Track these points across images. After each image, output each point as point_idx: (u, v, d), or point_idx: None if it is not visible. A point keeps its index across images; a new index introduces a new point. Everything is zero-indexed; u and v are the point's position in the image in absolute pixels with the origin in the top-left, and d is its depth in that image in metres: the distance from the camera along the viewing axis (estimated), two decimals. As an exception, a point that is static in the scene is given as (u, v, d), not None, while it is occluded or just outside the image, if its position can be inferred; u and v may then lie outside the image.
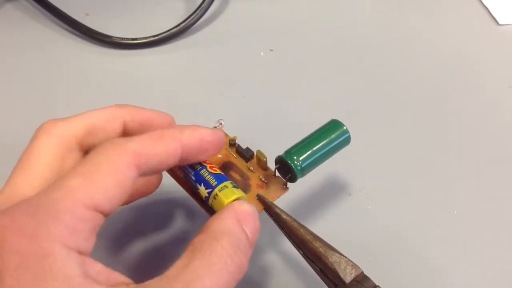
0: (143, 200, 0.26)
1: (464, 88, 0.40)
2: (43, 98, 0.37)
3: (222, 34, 0.44)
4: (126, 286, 0.18)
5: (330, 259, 0.23)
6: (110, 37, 0.42)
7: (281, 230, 0.25)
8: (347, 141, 0.26)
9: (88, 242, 0.18)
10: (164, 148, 0.21)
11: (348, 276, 0.22)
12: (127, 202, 0.25)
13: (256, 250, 0.28)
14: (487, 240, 0.30)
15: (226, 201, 0.22)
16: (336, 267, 0.22)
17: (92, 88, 0.39)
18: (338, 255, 0.23)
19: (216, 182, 0.23)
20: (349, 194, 0.32)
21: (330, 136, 0.26)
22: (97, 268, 0.18)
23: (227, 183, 0.23)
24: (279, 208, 0.24)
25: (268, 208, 0.24)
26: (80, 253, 0.18)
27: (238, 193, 0.23)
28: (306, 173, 0.25)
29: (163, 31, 0.42)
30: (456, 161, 0.34)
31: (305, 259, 0.24)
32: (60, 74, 0.40)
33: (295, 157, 0.25)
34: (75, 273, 0.17)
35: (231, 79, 0.40)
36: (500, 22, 0.45)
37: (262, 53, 0.42)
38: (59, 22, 0.43)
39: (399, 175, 0.33)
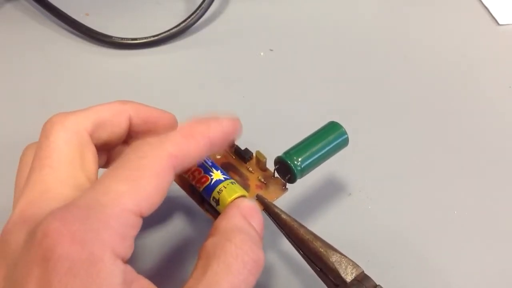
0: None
1: (464, 88, 0.40)
2: (43, 98, 0.37)
3: (222, 34, 0.44)
4: None
5: (330, 259, 0.23)
6: (110, 37, 0.42)
7: (281, 230, 0.25)
8: (345, 143, 0.27)
9: (131, 248, 0.18)
10: (196, 147, 0.21)
11: (349, 275, 0.22)
12: None
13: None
14: (487, 240, 0.30)
15: (229, 199, 0.23)
16: (337, 266, 0.22)
17: (92, 88, 0.39)
18: (338, 254, 0.23)
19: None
20: (349, 194, 0.32)
21: (329, 137, 0.26)
22: (134, 276, 0.18)
23: (230, 180, 0.24)
24: (278, 208, 0.24)
25: (268, 208, 0.24)
26: (124, 260, 0.18)
27: (240, 191, 0.23)
28: (305, 174, 0.25)
29: (163, 31, 0.42)
30: (456, 161, 0.34)
31: (305, 259, 0.24)
32: (60, 74, 0.40)
33: (294, 158, 0.25)
34: (117, 282, 0.17)
35: (231, 79, 0.40)
36: (500, 22, 0.45)
37: (262, 53, 0.42)
38: (59, 22, 0.43)
39: (399, 175, 0.33)
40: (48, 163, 0.21)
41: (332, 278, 0.23)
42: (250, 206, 0.22)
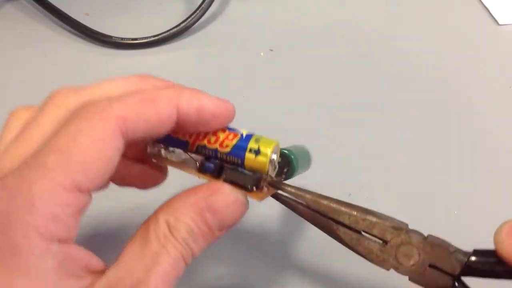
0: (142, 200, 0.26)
1: (464, 88, 0.40)
2: (43, 98, 0.37)
3: (222, 34, 0.44)
4: (97, 276, 0.17)
5: (375, 214, 0.21)
6: (110, 37, 0.42)
7: (299, 210, 0.22)
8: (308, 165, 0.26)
9: (71, 228, 0.16)
10: (156, 113, 0.18)
11: (397, 226, 0.21)
12: (125, 184, 0.22)
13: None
14: (488, 240, 0.30)
15: (272, 144, 0.21)
16: (383, 220, 0.21)
17: (92, 88, 0.39)
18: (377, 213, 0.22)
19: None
20: (349, 194, 0.32)
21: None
22: (78, 255, 0.17)
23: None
24: (295, 188, 0.22)
25: (287, 204, 0.23)
26: (62, 241, 0.16)
27: (273, 141, 0.21)
28: (298, 172, 0.25)
29: (163, 31, 0.42)
30: (456, 161, 0.34)
31: (336, 236, 0.22)
32: (60, 74, 0.40)
33: (291, 151, 0.24)
34: (49, 266, 0.16)
35: (231, 79, 0.40)
36: (500, 22, 0.45)
37: (262, 53, 0.42)
38: (59, 22, 0.43)
39: (399, 175, 0.33)
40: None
41: (378, 235, 0.21)
42: (218, 200, 0.19)
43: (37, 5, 0.44)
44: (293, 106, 0.38)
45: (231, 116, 0.21)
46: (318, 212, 0.22)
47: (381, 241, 0.21)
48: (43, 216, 0.16)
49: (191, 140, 0.21)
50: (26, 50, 0.42)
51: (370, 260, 0.21)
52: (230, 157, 0.21)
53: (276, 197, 0.23)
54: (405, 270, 0.20)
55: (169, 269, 0.17)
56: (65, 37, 0.43)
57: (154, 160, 0.23)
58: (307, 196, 0.22)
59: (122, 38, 0.42)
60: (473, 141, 0.35)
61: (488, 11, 0.47)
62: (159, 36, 0.42)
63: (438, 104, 0.38)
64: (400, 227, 0.21)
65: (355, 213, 0.21)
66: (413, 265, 0.20)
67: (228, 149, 0.21)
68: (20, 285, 0.15)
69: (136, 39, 0.42)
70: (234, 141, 0.21)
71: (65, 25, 0.43)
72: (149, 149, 0.22)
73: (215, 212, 0.19)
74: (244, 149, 0.21)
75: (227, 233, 0.20)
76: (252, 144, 0.21)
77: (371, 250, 0.21)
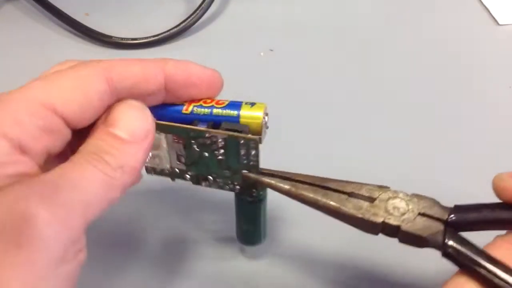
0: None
1: (464, 88, 0.40)
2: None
3: (222, 34, 0.44)
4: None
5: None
6: (110, 37, 0.42)
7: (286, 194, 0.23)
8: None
9: (36, 140, 0.18)
10: (140, 69, 0.20)
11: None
12: None
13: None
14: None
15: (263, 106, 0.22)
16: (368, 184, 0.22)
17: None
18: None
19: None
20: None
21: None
22: (20, 160, 0.17)
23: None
24: (272, 179, 0.23)
25: (261, 183, 0.23)
26: (21, 148, 0.17)
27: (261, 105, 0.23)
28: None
29: (163, 31, 0.42)
30: (456, 161, 0.34)
31: (322, 204, 0.22)
32: (60, 74, 0.40)
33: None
34: None
35: (231, 79, 0.40)
36: (500, 22, 0.45)
37: (262, 53, 0.42)
38: (59, 22, 0.43)
39: (399, 175, 0.33)
40: None
41: (365, 194, 0.22)
42: (121, 110, 0.20)
43: (37, 5, 0.44)
44: (293, 106, 0.38)
45: (219, 83, 0.22)
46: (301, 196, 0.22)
47: (369, 201, 0.22)
48: (9, 116, 0.17)
49: (186, 103, 0.22)
50: (26, 50, 0.42)
51: (361, 215, 0.21)
52: (226, 112, 0.22)
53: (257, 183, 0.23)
54: (396, 219, 0.21)
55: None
56: (65, 37, 0.43)
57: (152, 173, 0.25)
58: (285, 187, 0.23)
59: (122, 38, 0.42)
60: (473, 141, 0.35)
61: (488, 11, 0.47)
62: (159, 36, 0.42)
63: (438, 104, 0.38)
64: (386, 187, 0.22)
65: (340, 182, 0.22)
66: (403, 213, 0.21)
67: (224, 105, 0.22)
68: None
69: (136, 39, 0.42)
70: (229, 101, 0.23)
71: (65, 25, 0.43)
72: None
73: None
74: (240, 103, 0.22)
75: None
76: (246, 102, 0.22)
77: (360, 207, 0.21)
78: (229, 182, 0.24)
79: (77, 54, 0.41)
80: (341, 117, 0.37)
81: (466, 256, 0.19)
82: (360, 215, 0.21)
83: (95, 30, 0.42)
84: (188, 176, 0.24)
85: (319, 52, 0.43)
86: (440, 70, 0.41)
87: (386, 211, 0.21)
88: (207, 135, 0.22)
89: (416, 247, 0.21)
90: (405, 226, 0.21)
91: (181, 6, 0.47)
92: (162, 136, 0.23)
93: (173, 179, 0.25)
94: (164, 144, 0.23)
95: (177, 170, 0.24)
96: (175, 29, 0.42)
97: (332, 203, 0.22)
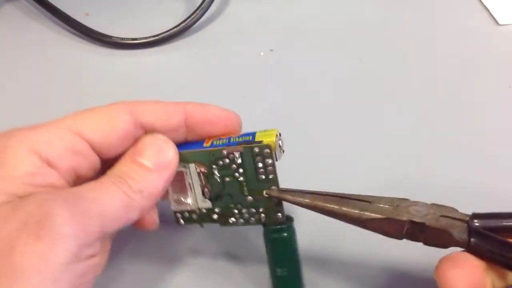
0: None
1: (464, 88, 0.40)
2: (43, 98, 0.37)
3: (222, 34, 0.44)
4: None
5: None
6: (110, 37, 0.42)
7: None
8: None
9: (62, 158, 0.20)
10: (162, 106, 0.23)
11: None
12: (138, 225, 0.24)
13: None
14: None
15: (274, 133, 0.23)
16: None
17: (92, 88, 0.39)
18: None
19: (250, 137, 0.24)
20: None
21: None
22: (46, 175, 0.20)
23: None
24: (293, 194, 0.24)
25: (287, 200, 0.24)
26: (49, 163, 0.20)
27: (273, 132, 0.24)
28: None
29: (163, 31, 0.42)
30: (456, 161, 0.34)
31: (344, 212, 0.23)
32: (60, 74, 0.40)
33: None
34: (24, 168, 0.19)
35: (231, 79, 0.40)
36: (500, 22, 0.45)
37: (262, 53, 0.42)
38: (59, 22, 0.43)
39: (399, 175, 0.33)
40: None
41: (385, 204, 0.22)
42: (146, 142, 0.22)
43: (37, 5, 0.45)
44: (293, 106, 0.38)
45: (236, 122, 0.24)
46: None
47: (391, 207, 0.22)
48: (42, 138, 0.20)
49: (206, 139, 0.24)
50: (26, 50, 0.42)
51: (386, 216, 0.21)
52: (242, 137, 0.24)
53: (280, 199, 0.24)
54: (420, 218, 0.21)
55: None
56: (65, 37, 0.43)
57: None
58: (306, 201, 0.23)
59: (122, 38, 0.42)
60: (473, 141, 0.35)
61: (488, 11, 0.47)
62: (159, 36, 0.42)
63: (438, 104, 0.38)
64: (405, 199, 0.23)
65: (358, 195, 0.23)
66: (426, 215, 0.22)
67: (239, 134, 0.24)
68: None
69: (136, 39, 0.42)
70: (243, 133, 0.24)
71: (65, 25, 0.43)
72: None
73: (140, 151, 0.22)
74: (254, 131, 0.24)
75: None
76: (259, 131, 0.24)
77: (383, 211, 0.22)
78: (254, 211, 0.24)
79: (77, 54, 0.41)
80: (341, 117, 0.37)
81: (494, 252, 0.20)
82: (384, 216, 0.22)
83: (95, 30, 0.42)
84: (215, 216, 0.25)
85: (319, 52, 0.43)
86: (440, 70, 0.41)
87: (409, 213, 0.22)
88: (224, 152, 0.23)
89: (440, 248, 0.21)
90: (429, 223, 0.21)
91: (181, 6, 0.47)
92: (186, 171, 0.24)
93: (201, 224, 0.25)
94: (188, 179, 0.24)
95: (204, 210, 0.25)
96: (175, 29, 0.42)
97: (354, 210, 0.22)
